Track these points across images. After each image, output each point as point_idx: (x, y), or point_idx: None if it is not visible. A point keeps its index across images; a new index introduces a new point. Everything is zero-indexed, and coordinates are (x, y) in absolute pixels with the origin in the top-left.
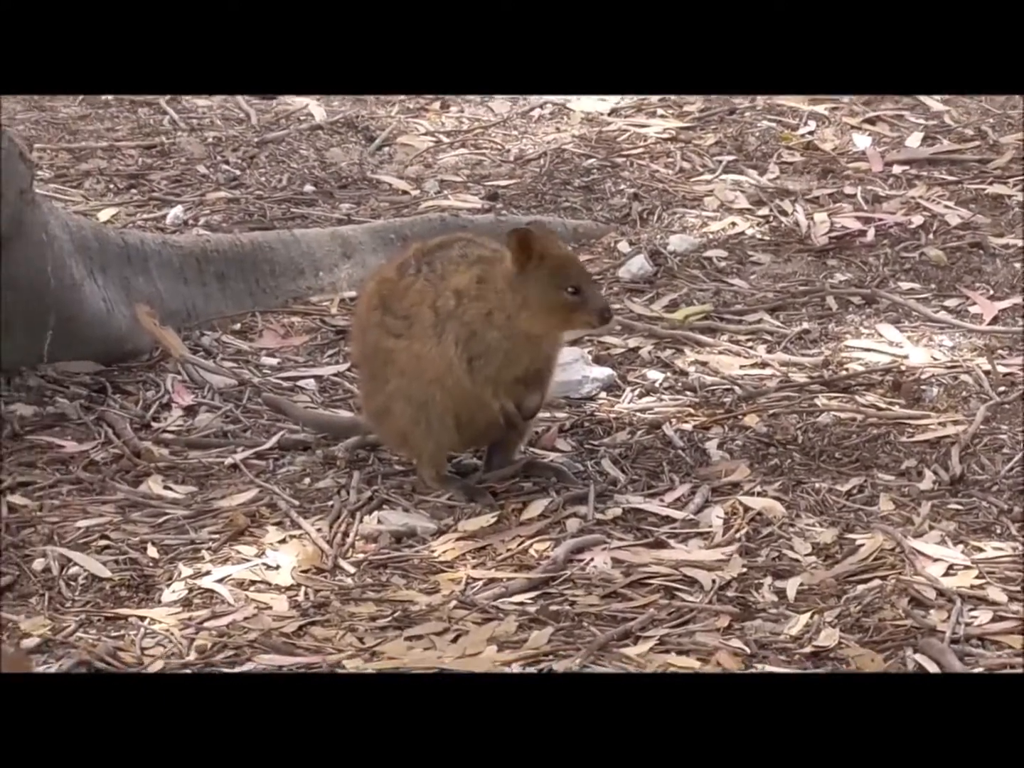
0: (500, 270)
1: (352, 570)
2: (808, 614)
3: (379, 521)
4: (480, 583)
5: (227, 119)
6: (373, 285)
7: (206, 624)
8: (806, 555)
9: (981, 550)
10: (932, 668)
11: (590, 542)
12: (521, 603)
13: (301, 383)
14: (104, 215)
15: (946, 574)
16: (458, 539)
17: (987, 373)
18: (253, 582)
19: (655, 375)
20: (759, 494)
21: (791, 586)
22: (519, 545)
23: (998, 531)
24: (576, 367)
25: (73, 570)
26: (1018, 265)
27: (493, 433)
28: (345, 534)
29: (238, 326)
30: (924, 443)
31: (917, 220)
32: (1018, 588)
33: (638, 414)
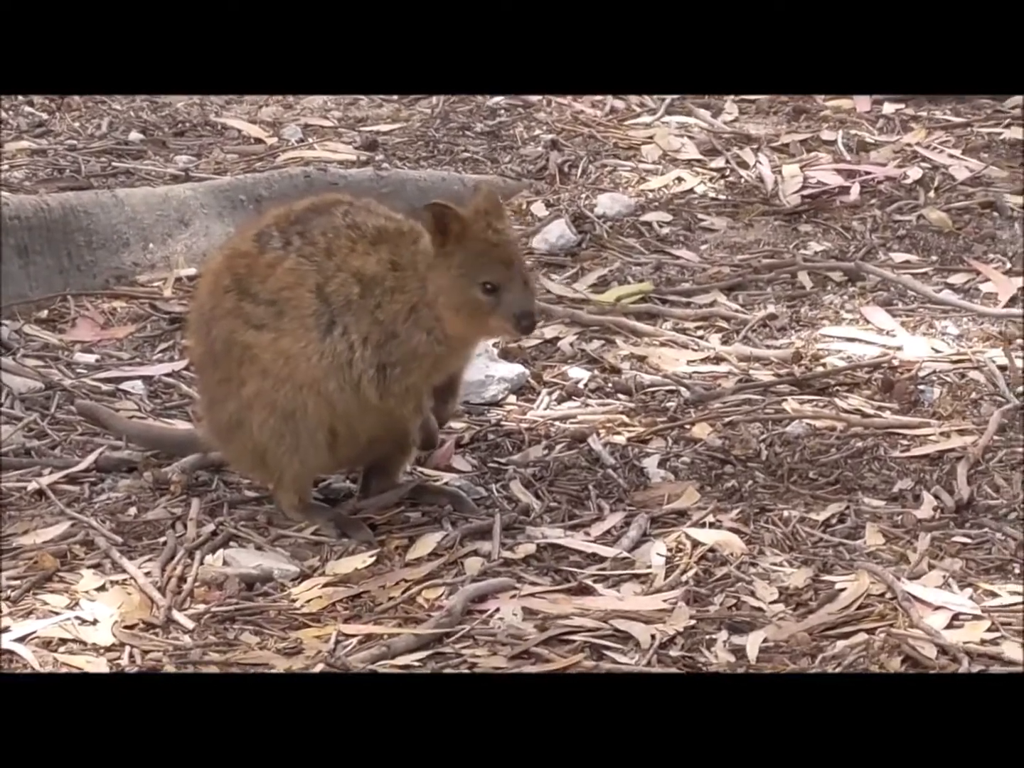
0: (419, 251)
1: (190, 625)
2: None
3: (225, 562)
4: (354, 641)
5: None
6: (222, 261)
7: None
8: (771, 603)
9: (994, 595)
10: None
11: (495, 588)
12: (407, 666)
13: (125, 386)
14: None
15: (950, 626)
16: (326, 585)
17: (1002, 369)
18: (64, 641)
19: (578, 373)
20: (712, 525)
21: (752, 643)
22: (404, 592)
23: (1015, 571)
24: (478, 364)
25: None
26: None
27: (375, 451)
28: (181, 579)
29: (45, 314)
30: (922, 459)
31: (914, 174)
32: None
33: (557, 423)
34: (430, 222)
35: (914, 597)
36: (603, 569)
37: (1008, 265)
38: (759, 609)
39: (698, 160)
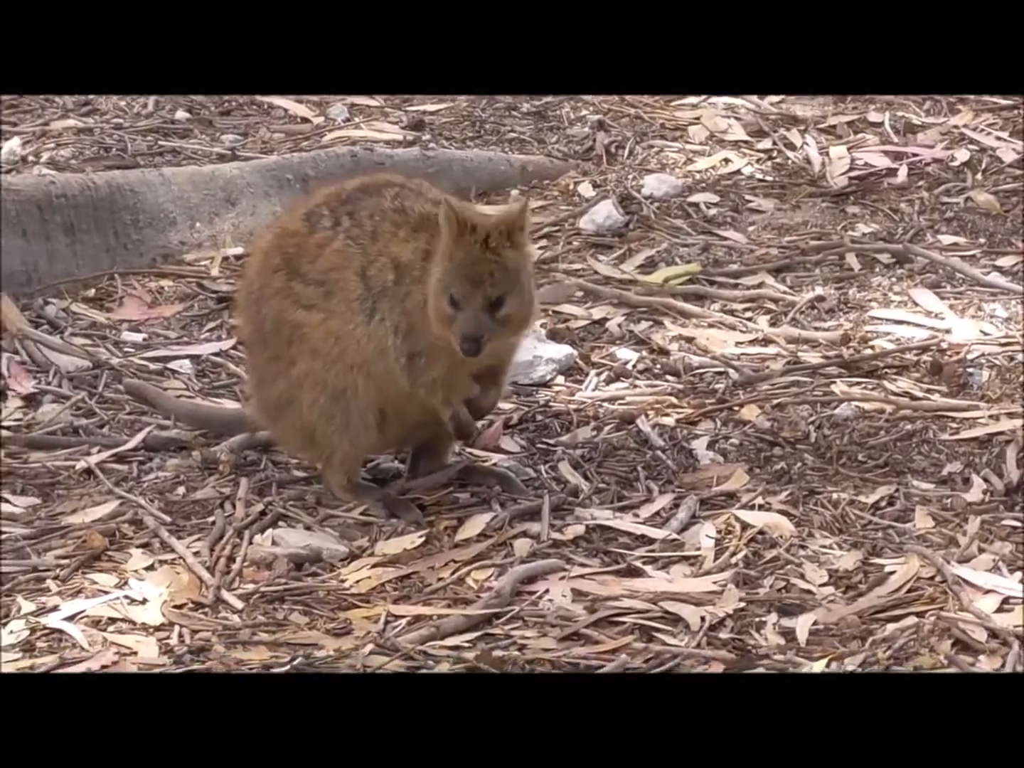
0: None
1: (239, 605)
2: (823, 661)
3: (274, 542)
4: (403, 622)
5: None
6: (271, 240)
7: (53, 675)
8: (821, 586)
9: None
10: None
11: (544, 569)
12: (456, 647)
13: (173, 365)
14: None
15: (999, 609)
16: (375, 565)
17: None
18: (113, 620)
19: (627, 355)
20: (761, 508)
21: (802, 625)
22: (453, 573)
23: None
24: (526, 345)
25: None
26: None
27: (423, 432)
28: (230, 559)
29: (92, 292)
30: (971, 442)
31: (961, 156)
32: None
33: (605, 405)
34: (442, 218)
35: (964, 580)
36: (652, 551)
37: None
38: (809, 592)
39: (745, 141)
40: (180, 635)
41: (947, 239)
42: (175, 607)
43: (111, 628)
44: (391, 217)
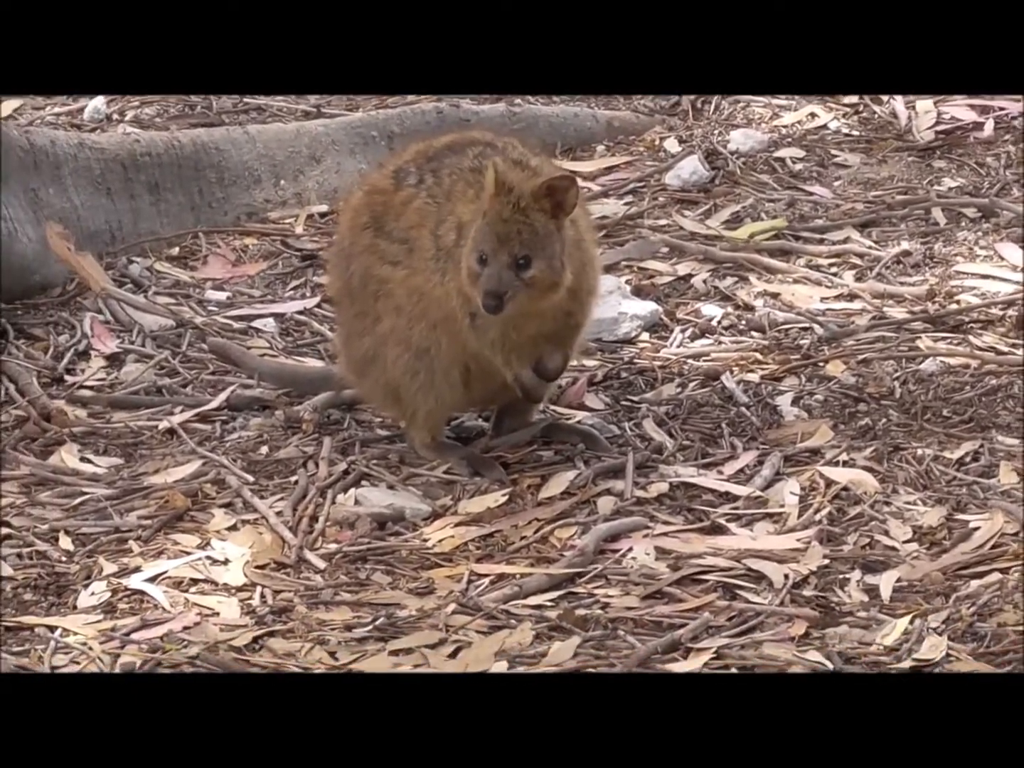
0: None
1: (322, 565)
2: (907, 618)
3: (357, 502)
4: (486, 581)
5: None
6: (361, 197)
7: (134, 636)
8: (905, 542)
9: None
10: None
11: (628, 527)
12: (539, 607)
13: (257, 324)
14: (3, 109)
15: None
16: (458, 524)
17: None
18: (195, 581)
19: (712, 311)
20: (845, 464)
21: (886, 582)
22: (536, 532)
23: None
24: (611, 301)
25: None
26: None
27: (508, 391)
28: (313, 519)
29: (176, 251)
30: None
31: None
32: None
33: (690, 361)
34: (487, 179)
35: None
36: (736, 508)
37: None
38: (892, 548)
39: (831, 95)
40: (262, 595)
41: None
42: (257, 567)
43: (193, 589)
44: (466, 177)
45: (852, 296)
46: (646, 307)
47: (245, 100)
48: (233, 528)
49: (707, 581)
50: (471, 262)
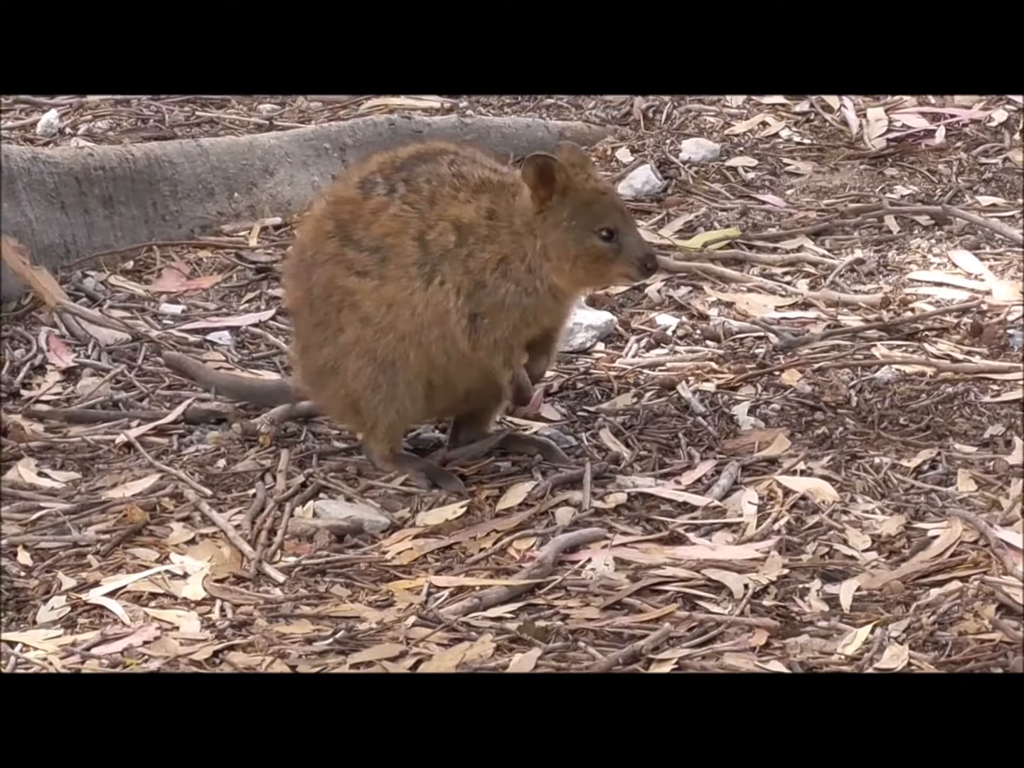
0: (517, 205)
1: (281, 578)
2: (868, 627)
3: (315, 514)
4: (446, 593)
5: None
6: (324, 207)
7: (94, 650)
8: (864, 551)
9: None
10: None
11: (587, 538)
12: (499, 618)
13: (212, 337)
14: None
15: None
16: (417, 536)
17: None
18: (155, 595)
19: (666, 320)
20: (803, 473)
21: (845, 591)
22: (495, 543)
23: None
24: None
25: None
26: None
27: (470, 402)
28: (272, 532)
29: (130, 264)
30: (1013, 404)
31: (999, 116)
32: None
33: (646, 371)
34: (532, 174)
35: (1007, 544)
36: (694, 518)
37: None
38: (852, 557)
39: (782, 104)
40: (222, 609)
41: (986, 200)
42: (216, 581)
43: (152, 603)
44: (450, 181)
45: (807, 305)
46: (601, 317)
47: (198, 113)
48: (192, 542)
49: (667, 592)
50: (589, 246)
